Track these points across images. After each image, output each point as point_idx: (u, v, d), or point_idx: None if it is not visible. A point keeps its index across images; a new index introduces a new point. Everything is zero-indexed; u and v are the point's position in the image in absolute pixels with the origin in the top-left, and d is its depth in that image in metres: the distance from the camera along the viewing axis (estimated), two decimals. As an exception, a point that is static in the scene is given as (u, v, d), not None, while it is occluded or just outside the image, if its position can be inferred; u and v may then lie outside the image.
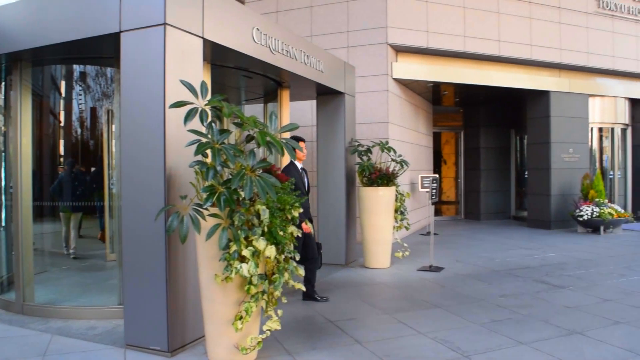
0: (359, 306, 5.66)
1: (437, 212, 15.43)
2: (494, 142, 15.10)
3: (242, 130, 3.77)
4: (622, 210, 12.13)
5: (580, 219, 11.63)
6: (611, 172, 14.17)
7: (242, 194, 3.52)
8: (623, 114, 14.19)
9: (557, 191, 12.52)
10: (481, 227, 13.23)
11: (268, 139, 3.58)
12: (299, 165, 5.84)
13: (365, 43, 10.30)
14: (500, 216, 15.15)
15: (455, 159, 15.85)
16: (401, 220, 8.07)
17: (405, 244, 8.09)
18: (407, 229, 8.26)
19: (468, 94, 13.62)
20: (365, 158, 8.03)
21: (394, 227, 8.04)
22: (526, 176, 13.86)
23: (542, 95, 12.57)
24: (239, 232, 3.52)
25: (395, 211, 8.01)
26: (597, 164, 13.95)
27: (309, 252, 5.64)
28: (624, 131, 14.41)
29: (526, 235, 11.63)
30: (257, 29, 5.51)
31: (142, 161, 4.15)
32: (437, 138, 15.54)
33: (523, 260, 8.47)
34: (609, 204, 11.88)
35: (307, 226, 5.47)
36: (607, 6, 12.94)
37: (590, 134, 13.57)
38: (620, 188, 14.34)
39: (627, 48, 13.26)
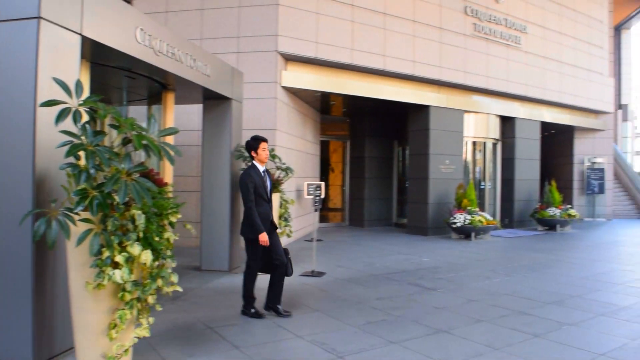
0: (240, 312, 5.66)
1: (324, 219, 15.79)
2: (378, 152, 15.74)
3: (119, 133, 3.64)
4: (491, 218, 13.13)
5: (454, 225, 12.44)
6: (483, 183, 15.30)
7: (117, 198, 3.40)
8: (494, 130, 15.39)
9: (434, 200, 13.30)
10: (364, 234, 13.71)
11: (144, 142, 3.49)
12: (260, 167, 5.46)
13: (255, 50, 10.34)
14: (383, 223, 15.80)
15: (342, 167, 16.31)
16: (285, 226, 8.17)
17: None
18: (289, 236, 8.37)
19: (355, 105, 14.11)
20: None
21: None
22: (407, 185, 14.59)
23: (422, 109, 13.33)
24: (112, 237, 3.39)
25: (279, 218, 8.10)
26: (471, 175, 15.00)
27: (275, 259, 5.33)
28: (494, 145, 15.62)
29: (405, 241, 12.21)
30: (141, 29, 5.36)
31: (9, 161, 3.88)
32: (325, 146, 15.92)
33: (400, 264, 8.90)
34: (480, 212, 12.82)
35: (265, 238, 5.16)
36: (483, 30, 14.01)
37: (465, 147, 14.57)
38: (490, 197, 15.53)
39: (499, 69, 14.43)
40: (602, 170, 19.07)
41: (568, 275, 8.20)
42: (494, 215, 15.17)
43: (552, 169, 19.58)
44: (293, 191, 11.23)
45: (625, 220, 19.31)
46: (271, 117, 10.29)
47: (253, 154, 5.45)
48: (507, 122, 15.65)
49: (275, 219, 7.99)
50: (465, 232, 12.51)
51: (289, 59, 10.84)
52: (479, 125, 15.01)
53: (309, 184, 8.55)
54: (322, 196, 8.23)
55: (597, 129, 19.23)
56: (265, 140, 5.50)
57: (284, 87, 10.78)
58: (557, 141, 19.91)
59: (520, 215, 15.73)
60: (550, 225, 15.06)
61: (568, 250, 11.25)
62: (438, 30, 12.98)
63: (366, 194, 15.49)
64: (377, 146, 15.75)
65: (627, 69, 31.29)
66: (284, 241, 8.74)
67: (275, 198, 7.91)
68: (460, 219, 12.39)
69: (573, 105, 17.23)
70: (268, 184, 5.48)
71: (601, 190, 19.03)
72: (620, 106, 30.40)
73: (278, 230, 8.12)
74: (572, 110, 17.72)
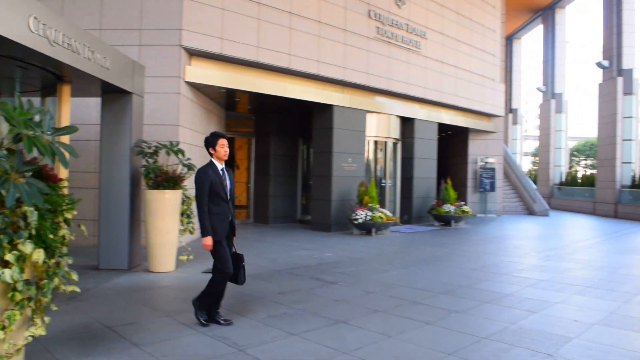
0: (140, 311, 5.55)
1: (228, 216, 15.67)
2: (283, 149, 15.87)
3: (10, 132, 3.46)
4: (391, 215, 13.67)
5: (356, 222, 12.84)
6: (383, 181, 15.88)
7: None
8: (395, 130, 16.02)
9: (337, 197, 13.64)
10: (269, 231, 13.79)
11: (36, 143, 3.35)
12: (219, 165, 5.07)
13: (158, 43, 10.08)
14: (288, 220, 15.96)
15: (247, 164, 16.28)
16: (187, 223, 8.07)
17: (190, 248, 8.15)
18: (191, 232, 8.28)
19: (261, 102, 14.13)
20: (151, 160, 7.89)
21: (179, 230, 8.03)
22: (311, 182, 14.83)
23: (327, 109, 13.61)
24: (1, 236, 3.24)
25: (182, 214, 8.00)
26: (372, 173, 15.52)
27: (225, 266, 5.00)
28: (395, 145, 16.25)
29: (309, 237, 12.43)
30: (35, 17, 5.10)
31: None
32: (230, 143, 15.69)
33: (303, 260, 9.07)
34: (381, 208, 13.30)
35: (208, 242, 4.86)
36: (385, 34, 14.53)
37: (367, 146, 15.05)
38: (390, 195, 16.14)
39: (400, 72, 15.03)
40: (493, 169, 20.39)
41: (459, 267, 8.75)
42: (393, 212, 15.81)
43: (448, 168, 20.67)
44: (197, 188, 11.07)
45: (513, 216, 20.75)
46: (174, 112, 10.10)
47: (211, 150, 5.08)
48: (407, 123, 16.33)
49: (177, 216, 7.89)
50: (367, 228, 12.94)
51: (194, 54, 10.68)
52: (380, 125, 15.55)
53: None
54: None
55: (489, 131, 20.54)
56: (223, 136, 5.15)
57: (188, 83, 10.61)
58: (453, 142, 21.05)
59: (419, 212, 16.48)
60: (445, 221, 15.90)
61: (461, 244, 11.95)
62: (342, 32, 13.31)
63: (271, 191, 15.57)
64: (282, 144, 15.88)
65: (517, 76, 33.62)
66: (187, 237, 8.65)
67: (178, 194, 7.80)
68: (361, 215, 12.79)
69: (468, 108, 18.28)
70: (227, 182, 5.12)
71: (492, 188, 20.34)
72: (510, 110, 32.61)
73: (181, 227, 8.07)
74: (467, 113, 18.80)
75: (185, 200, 8.01)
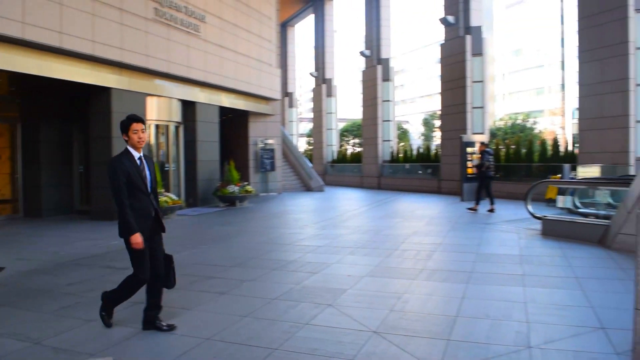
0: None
1: (-7, 211, 14.10)
2: (56, 135, 14.71)
3: None
4: (177, 198, 13.72)
5: (142, 208, 12.59)
6: (167, 165, 15.75)
7: None
8: (177, 113, 15.96)
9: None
10: (44, 224, 12.79)
11: None
12: (136, 154, 4.45)
13: None
14: (65, 211, 14.91)
15: (12, 153, 14.72)
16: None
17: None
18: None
19: (26, 83, 12.92)
20: None
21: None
22: (82, 170, 14.06)
23: (104, 92, 13.01)
24: None
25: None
26: (155, 158, 15.30)
27: (156, 267, 4.50)
28: (177, 128, 16.21)
29: (91, 227, 11.89)
30: None
31: None
32: (-10, 129, 14.12)
33: (89, 250, 8.75)
34: (166, 193, 13.25)
35: (137, 240, 4.26)
36: (164, 15, 14.30)
37: (148, 130, 14.75)
38: (174, 179, 16.09)
39: (180, 55, 14.97)
40: (272, 150, 21.53)
41: (247, 241, 9.32)
42: (179, 196, 15.81)
43: (231, 150, 21.22)
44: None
45: (293, 193, 22.21)
46: None
47: (125, 137, 4.46)
48: (188, 106, 16.39)
49: None
50: (154, 213, 12.79)
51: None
52: (161, 109, 15.36)
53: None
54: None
55: (268, 114, 21.58)
56: (138, 120, 4.49)
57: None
58: (234, 124, 21.63)
59: (204, 194, 16.74)
60: (230, 201, 16.43)
61: (247, 221, 12.58)
62: (119, 11, 12.78)
63: (43, 181, 14.34)
64: (55, 129, 14.68)
65: (292, 61, 35.53)
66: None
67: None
68: (147, 200, 12.59)
69: (247, 92, 18.98)
70: (147, 173, 4.50)
71: (272, 168, 21.50)
72: (286, 94, 34.41)
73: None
74: (247, 96, 19.50)
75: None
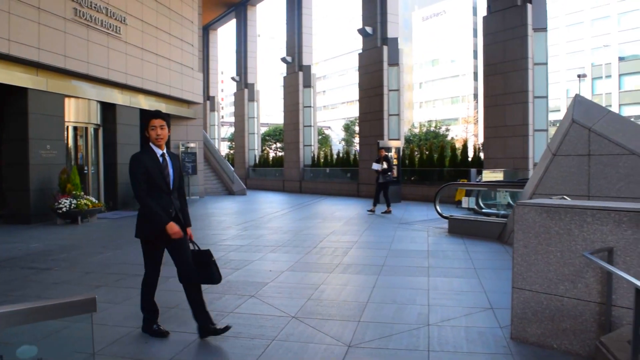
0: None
1: None
2: (-34, 136, 14.15)
3: None
4: (97, 201, 13.57)
5: (60, 211, 12.42)
6: (86, 168, 15.50)
7: None
8: (96, 115, 15.74)
9: (37, 186, 12.92)
10: (-46, 227, 12.31)
11: None
12: (158, 151, 4.27)
13: None
14: (-25, 214, 14.34)
15: None
16: None
17: None
18: None
19: None
20: None
21: None
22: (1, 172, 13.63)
23: (20, 92, 12.68)
24: None
25: None
26: (74, 160, 15.03)
27: (185, 272, 4.28)
28: (97, 131, 15.98)
29: (6, 231, 11.57)
30: None
31: None
32: None
33: (7, 253, 8.63)
34: (85, 196, 13.11)
35: (174, 229, 4.11)
36: (84, 16, 14.12)
37: (66, 132, 14.50)
38: (94, 182, 15.85)
39: (100, 57, 14.81)
40: (194, 154, 21.56)
41: (171, 243, 9.49)
42: (98, 199, 15.58)
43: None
44: None
45: (215, 197, 22.31)
46: None
47: (146, 134, 4.31)
48: (108, 109, 16.19)
49: None
50: (72, 216, 12.64)
51: None
52: (80, 111, 15.12)
53: None
54: None
55: (189, 117, 21.57)
56: (156, 116, 4.29)
57: None
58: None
59: (124, 197, 16.55)
60: (152, 204, 16.34)
61: (169, 224, 12.67)
62: (36, 10, 12.54)
63: (-48, 183, 13.78)
64: (-36, 129, 14.12)
65: (214, 65, 35.45)
66: None
67: None
68: (65, 203, 12.44)
69: (169, 95, 18.96)
70: (170, 170, 4.30)
71: (194, 171, 21.51)
72: (208, 97, 34.33)
73: None
74: (168, 99, 19.47)
75: None
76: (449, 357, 3.90)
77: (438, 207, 11.59)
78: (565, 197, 6.10)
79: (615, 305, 3.66)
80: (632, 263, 3.61)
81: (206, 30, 34.00)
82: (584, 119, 6.88)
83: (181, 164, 4.19)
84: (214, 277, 4.35)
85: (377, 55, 20.59)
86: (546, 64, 15.47)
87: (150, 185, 4.17)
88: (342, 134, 56.11)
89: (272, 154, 36.78)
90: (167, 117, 4.37)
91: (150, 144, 4.28)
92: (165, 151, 4.33)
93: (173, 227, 4.12)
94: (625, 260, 3.65)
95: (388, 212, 14.04)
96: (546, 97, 15.45)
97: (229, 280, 6.30)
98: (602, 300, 3.71)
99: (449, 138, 34.85)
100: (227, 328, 4.27)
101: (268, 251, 8.42)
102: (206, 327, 4.27)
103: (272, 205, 18.33)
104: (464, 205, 12.11)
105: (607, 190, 6.58)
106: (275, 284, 6.09)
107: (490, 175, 14.54)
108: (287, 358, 3.90)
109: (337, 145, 53.69)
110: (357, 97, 22.31)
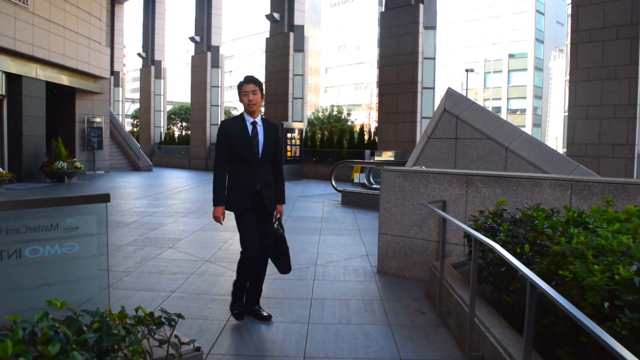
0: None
1: None
2: None
3: None
4: (4, 172, 13.70)
5: (-34, 179, 12.53)
6: (-9, 138, 15.42)
7: None
8: (0, 87, 15.61)
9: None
10: None
11: None
12: (249, 119, 3.97)
13: None
14: None
15: None
16: None
17: None
18: None
19: None
20: None
21: None
22: None
23: None
24: None
25: None
26: (-23, 130, 14.92)
27: (245, 242, 3.99)
28: (1, 102, 15.85)
29: None
30: None
31: None
32: None
33: None
34: (-8, 166, 13.24)
35: (216, 214, 3.96)
36: (-16, -18, 14.00)
37: (-30, 102, 14.38)
38: (-2, 153, 15.78)
39: (7, 27, 14.69)
40: (100, 128, 21.61)
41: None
42: (5, 169, 15.57)
43: (58, 126, 20.87)
44: None
45: (121, 172, 22.49)
46: None
47: (240, 101, 4.03)
48: (14, 80, 16.09)
49: None
50: (-22, 185, 12.78)
51: None
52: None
53: None
54: None
55: (95, 92, 21.55)
56: (248, 81, 3.99)
57: None
58: (61, 100, 21.27)
59: (29, 169, 16.57)
60: (59, 177, 16.53)
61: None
62: (-60, -24, 12.43)
63: None
64: None
65: (119, 40, 34.78)
66: None
67: None
68: (-28, 172, 12.56)
69: (75, 68, 18.93)
70: (260, 140, 3.97)
71: (100, 146, 21.59)
72: (112, 73, 33.75)
73: None
74: (75, 73, 19.42)
75: None
76: (329, 284, 5.17)
77: (334, 183, 12.98)
78: (422, 167, 7.58)
79: (448, 243, 5.08)
80: (459, 211, 5.05)
81: (112, 4, 33.32)
82: (453, 108, 8.39)
83: (280, 135, 3.52)
84: (281, 266, 4.21)
85: (284, 41, 21.66)
86: (434, 58, 17.29)
87: (233, 155, 3.95)
88: (249, 115, 56.68)
89: (177, 132, 36.86)
90: (259, 82, 4.04)
91: (243, 111, 4.07)
92: (258, 119, 4.03)
93: (216, 212, 3.95)
94: (454, 209, 5.08)
95: None
96: (433, 88, 17.30)
97: (148, 236, 7.23)
98: (439, 239, 5.13)
99: (349, 123, 36.75)
100: (269, 317, 4.12)
101: (180, 216, 9.36)
102: (251, 309, 4.16)
103: (179, 181, 19.00)
104: (356, 181, 13.60)
105: (469, 167, 8.12)
106: (190, 239, 7.12)
107: (382, 157, 16.21)
108: (204, 285, 4.99)
109: (243, 126, 54.20)
110: (264, 80, 23.29)
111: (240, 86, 3.98)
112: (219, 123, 4.29)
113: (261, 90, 4.01)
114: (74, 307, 2.02)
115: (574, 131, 12.81)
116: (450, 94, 8.90)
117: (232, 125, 3.99)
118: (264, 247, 4.01)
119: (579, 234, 2.78)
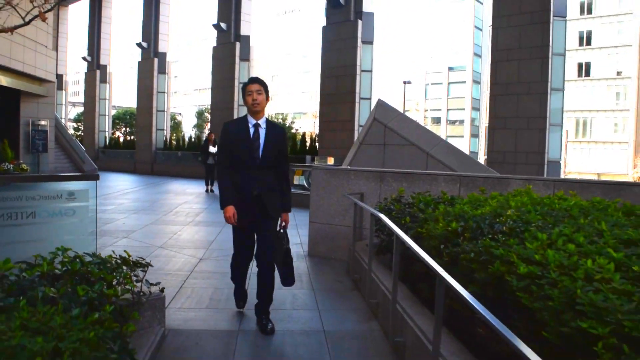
0: None
1: None
2: None
3: None
4: (-49, 172, 13.92)
5: None
6: None
7: None
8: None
9: None
10: None
11: None
12: (252, 120, 3.90)
13: None
14: None
15: None
16: None
17: None
18: None
19: None
20: None
21: None
22: None
23: None
24: None
25: None
26: None
27: (259, 257, 3.97)
28: (-54, 103, 15.97)
29: None
30: None
31: None
32: None
33: None
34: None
35: (227, 214, 3.77)
36: None
37: None
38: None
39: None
40: (45, 132, 21.76)
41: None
42: (-53, 171, 15.71)
43: (3, 128, 20.89)
44: None
45: (64, 176, 22.62)
46: None
47: (245, 102, 3.96)
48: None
49: None
50: None
51: None
52: None
53: None
54: None
55: (41, 95, 21.70)
56: (252, 81, 3.93)
57: None
58: (5, 104, 21.32)
59: (-26, 171, 16.73)
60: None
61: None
62: None
63: None
64: None
65: (63, 43, 34.69)
66: None
67: None
68: None
69: (22, 71, 19.12)
70: (261, 143, 3.87)
71: (45, 149, 21.71)
72: (56, 76, 33.58)
73: None
74: (21, 76, 19.57)
75: None
76: (266, 263, 6.12)
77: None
78: (348, 166, 8.66)
79: (364, 228, 6.13)
80: (374, 201, 6.12)
81: (57, 6, 33.18)
82: (382, 117, 9.52)
83: (284, 138, 4.08)
84: (284, 278, 4.00)
85: (230, 51, 22.48)
86: (371, 71, 18.56)
87: (233, 158, 3.88)
88: (194, 121, 57.04)
89: (122, 137, 36.90)
90: (264, 83, 3.96)
91: (247, 113, 3.97)
92: (262, 121, 3.94)
93: (227, 212, 3.77)
94: (370, 200, 6.15)
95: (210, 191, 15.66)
96: (370, 98, 18.52)
97: (103, 229, 7.97)
98: (357, 225, 6.18)
99: (293, 130, 37.85)
100: (270, 330, 3.91)
101: (131, 213, 10.09)
102: (257, 317, 4.06)
103: (126, 183, 19.48)
104: (296, 182, 14.60)
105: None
106: (142, 231, 7.93)
107: (331, 162, 17.32)
108: (159, 264, 5.85)
109: (189, 131, 54.51)
110: (210, 86, 23.99)
111: (244, 87, 3.92)
112: (222, 125, 4.18)
113: (266, 90, 3.93)
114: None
115: (493, 140, 14.29)
116: (380, 104, 10.05)
117: (234, 127, 3.94)
118: (263, 253, 3.90)
119: (443, 209, 3.86)
